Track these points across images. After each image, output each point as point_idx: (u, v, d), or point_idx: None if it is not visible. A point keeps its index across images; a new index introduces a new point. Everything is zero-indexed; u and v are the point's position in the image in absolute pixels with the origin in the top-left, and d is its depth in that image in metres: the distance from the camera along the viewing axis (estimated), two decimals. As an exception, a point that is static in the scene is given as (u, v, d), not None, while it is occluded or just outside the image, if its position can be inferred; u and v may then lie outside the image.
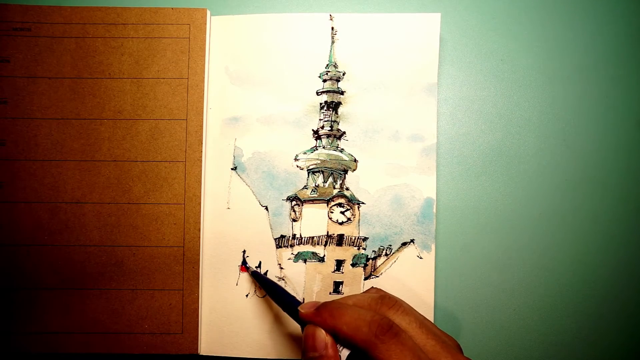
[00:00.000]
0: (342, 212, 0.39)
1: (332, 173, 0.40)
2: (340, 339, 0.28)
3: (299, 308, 0.30)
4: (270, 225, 0.39)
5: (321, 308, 0.29)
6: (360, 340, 0.26)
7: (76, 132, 0.39)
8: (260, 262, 0.39)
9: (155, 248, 0.38)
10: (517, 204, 0.40)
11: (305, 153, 0.40)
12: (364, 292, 0.32)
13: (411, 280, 0.39)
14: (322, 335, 0.28)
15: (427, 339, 0.28)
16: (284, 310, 0.34)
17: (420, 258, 0.39)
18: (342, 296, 0.34)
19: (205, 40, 0.39)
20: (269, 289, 0.36)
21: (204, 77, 0.39)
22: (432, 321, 0.38)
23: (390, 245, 0.39)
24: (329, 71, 0.40)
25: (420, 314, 0.30)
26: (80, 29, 0.39)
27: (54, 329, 0.38)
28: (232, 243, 0.39)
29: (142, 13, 0.39)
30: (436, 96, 0.39)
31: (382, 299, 0.30)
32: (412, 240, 0.39)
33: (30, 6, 0.39)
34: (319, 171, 0.40)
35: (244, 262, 0.39)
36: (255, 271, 0.38)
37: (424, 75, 0.39)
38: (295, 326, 0.38)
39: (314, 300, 0.38)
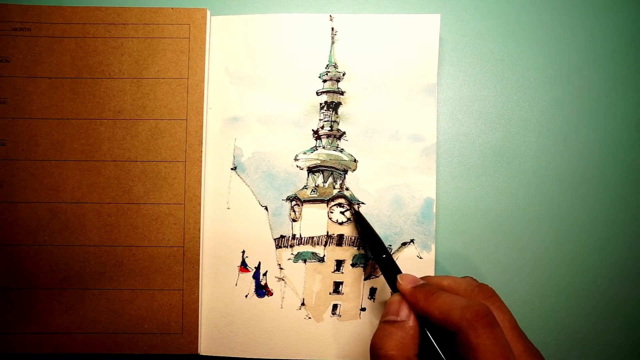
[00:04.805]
0: (342, 212, 0.39)
1: (332, 173, 0.40)
2: (430, 323, 0.27)
3: (397, 277, 0.30)
4: (270, 225, 0.39)
5: (418, 289, 0.28)
6: (453, 323, 0.25)
7: (76, 132, 0.39)
8: (259, 262, 0.39)
9: (155, 248, 0.38)
10: (517, 204, 0.40)
11: (305, 153, 0.40)
12: (460, 277, 0.31)
13: (411, 280, 0.39)
14: (408, 306, 0.28)
15: (517, 343, 0.27)
16: (377, 264, 0.34)
17: (420, 258, 0.39)
18: (436, 276, 0.32)
19: (205, 41, 0.39)
20: (369, 239, 0.36)
21: (204, 77, 0.39)
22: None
23: (390, 245, 0.39)
24: (329, 71, 0.40)
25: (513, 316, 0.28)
26: (80, 29, 0.39)
27: (54, 329, 0.38)
28: (232, 243, 0.39)
29: (142, 13, 0.39)
30: (436, 96, 0.39)
31: (480, 287, 0.29)
32: (412, 240, 0.39)
33: (30, 6, 0.39)
34: (319, 171, 0.40)
35: (244, 263, 0.39)
36: (358, 212, 0.38)
37: (424, 76, 0.39)
38: (294, 326, 0.38)
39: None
